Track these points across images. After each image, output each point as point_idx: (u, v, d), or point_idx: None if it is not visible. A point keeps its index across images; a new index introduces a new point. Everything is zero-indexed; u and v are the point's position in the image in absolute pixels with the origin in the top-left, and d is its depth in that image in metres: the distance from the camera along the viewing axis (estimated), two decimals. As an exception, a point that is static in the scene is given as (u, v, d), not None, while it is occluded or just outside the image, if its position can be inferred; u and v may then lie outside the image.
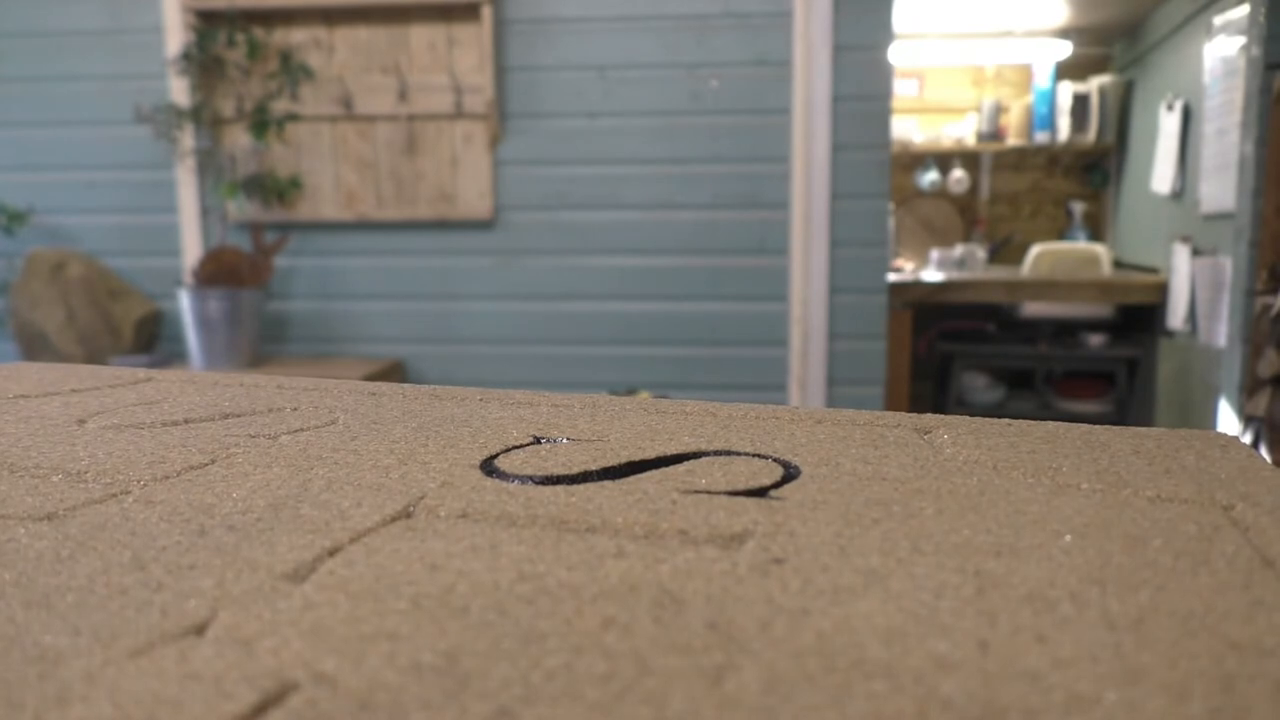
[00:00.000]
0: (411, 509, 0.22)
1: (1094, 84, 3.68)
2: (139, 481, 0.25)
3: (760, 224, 2.13)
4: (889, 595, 0.17)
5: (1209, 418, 2.32)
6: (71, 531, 0.21)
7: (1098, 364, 3.33)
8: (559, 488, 0.24)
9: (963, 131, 3.79)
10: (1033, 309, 3.33)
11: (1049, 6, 3.31)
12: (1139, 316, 3.28)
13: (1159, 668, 0.15)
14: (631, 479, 0.25)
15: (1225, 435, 0.28)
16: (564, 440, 0.29)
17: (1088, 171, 3.88)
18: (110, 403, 0.37)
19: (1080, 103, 3.70)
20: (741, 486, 0.24)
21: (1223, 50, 2.52)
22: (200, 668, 0.14)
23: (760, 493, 0.23)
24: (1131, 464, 0.26)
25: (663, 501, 0.23)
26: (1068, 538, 0.20)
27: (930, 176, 3.68)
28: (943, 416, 0.30)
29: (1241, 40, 2.34)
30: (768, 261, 2.12)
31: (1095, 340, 3.29)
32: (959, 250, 3.36)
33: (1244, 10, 2.26)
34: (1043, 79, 3.80)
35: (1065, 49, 3.65)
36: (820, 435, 0.28)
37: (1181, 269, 2.69)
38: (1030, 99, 3.83)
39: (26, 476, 0.26)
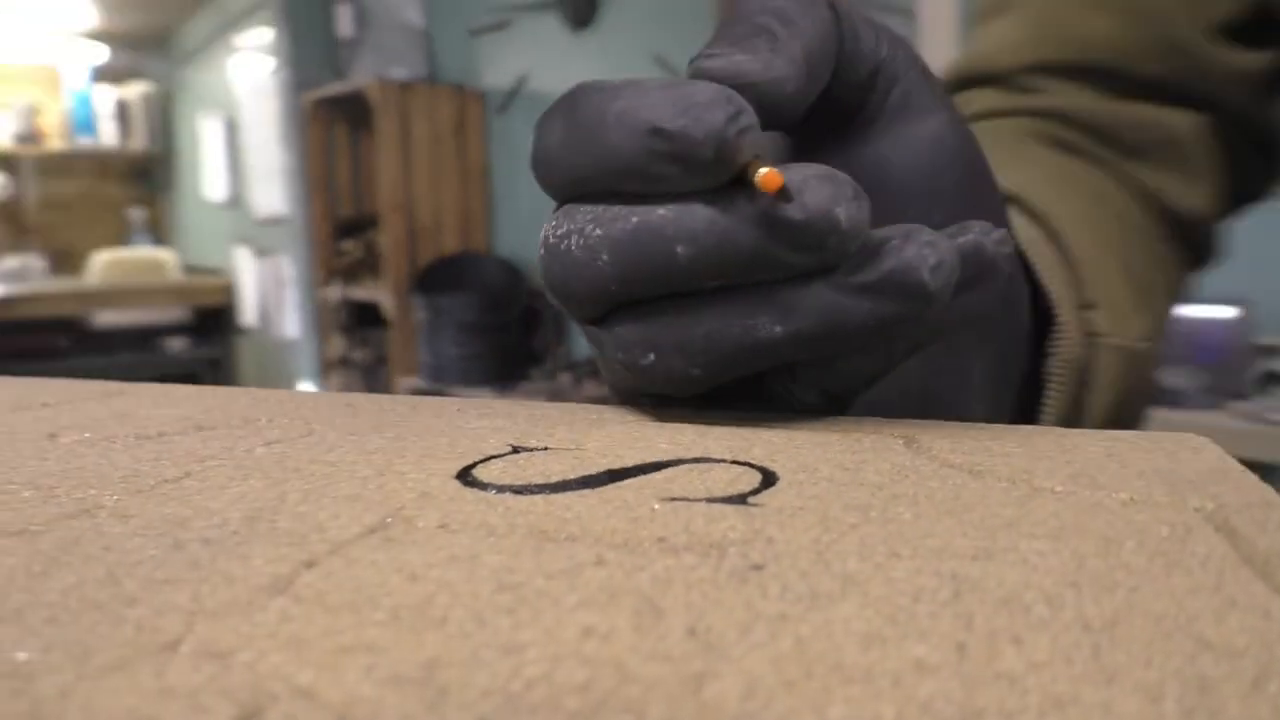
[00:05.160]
0: (389, 520, 0.22)
1: (135, 90, 3.66)
2: (112, 496, 0.25)
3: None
4: (867, 600, 0.17)
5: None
6: (44, 547, 0.21)
7: (182, 367, 3.44)
8: (537, 497, 0.24)
9: (-3, 132, 3.59)
10: (107, 318, 3.35)
11: (76, 6, 3.25)
12: (214, 317, 3.42)
13: (1134, 668, 0.15)
14: (610, 487, 0.25)
15: (1197, 438, 0.28)
16: (542, 449, 0.29)
17: (141, 177, 3.87)
18: (82, 416, 0.36)
19: (123, 108, 3.68)
20: (720, 494, 0.24)
21: (252, 68, 2.70)
22: (176, 682, 0.14)
23: (739, 499, 0.23)
24: (1104, 466, 0.26)
25: (642, 509, 0.23)
26: (1042, 540, 0.20)
27: (-32, 181, 3.50)
28: (919, 422, 0.30)
29: (269, 60, 2.49)
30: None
31: (176, 344, 3.38)
32: (14, 262, 3.30)
33: (268, 33, 2.41)
34: (77, 81, 3.71)
35: (100, 52, 3.61)
36: (798, 441, 0.28)
37: (246, 270, 2.89)
38: (66, 101, 3.72)
39: (-3, 492, 0.25)
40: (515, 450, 0.29)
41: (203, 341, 3.43)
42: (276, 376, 2.90)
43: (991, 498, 0.23)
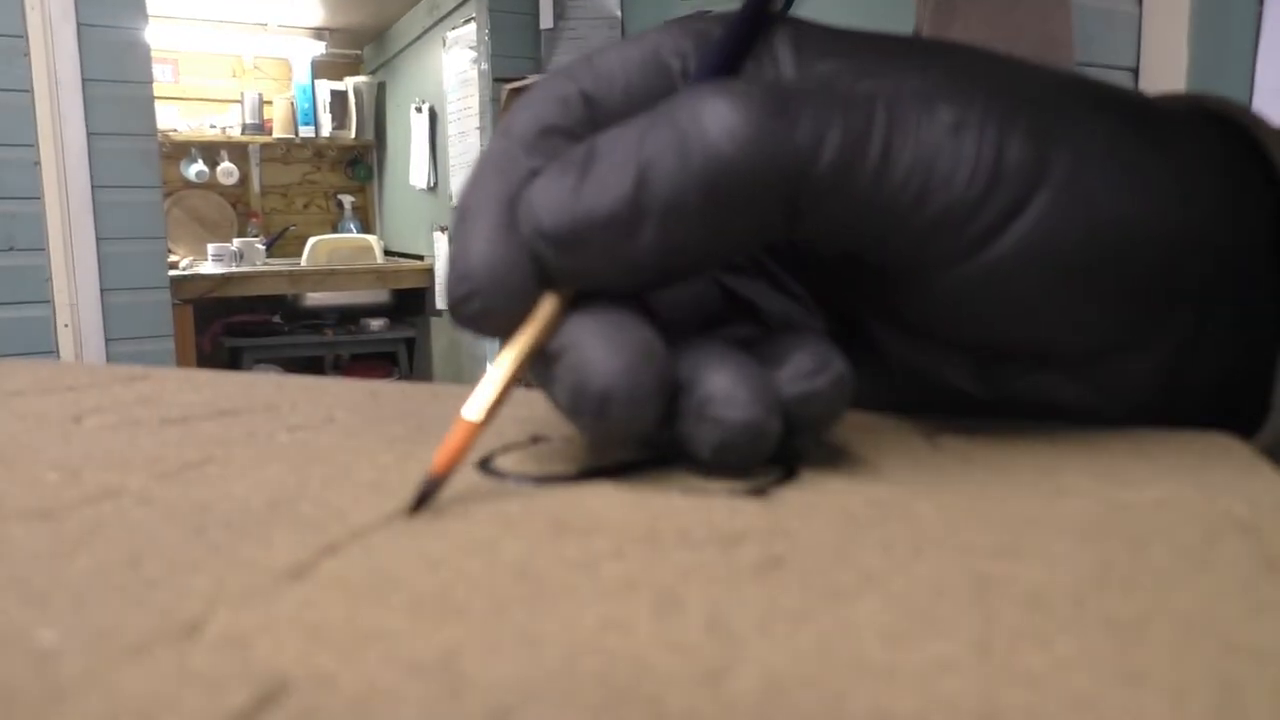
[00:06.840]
0: (410, 507, 0.22)
1: (350, 83, 3.81)
2: (136, 479, 0.25)
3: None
4: (889, 596, 0.17)
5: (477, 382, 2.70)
6: (67, 529, 0.21)
7: (381, 346, 3.57)
8: (557, 487, 0.24)
9: (227, 122, 3.81)
10: (316, 298, 3.51)
11: (303, 4, 3.41)
12: (411, 299, 3.52)
13: (1160, 670, 0.14)
14: (630, 478, 0.25)
15: (1228, 438, 0.28)
16: (562, 439, 0.29)
17: (352, 166, 4.01)
18: (107, 400, 0.36)
19: (339, 100, 3.83)
20: (740, 486, 0.23)
21: (457, 62, 2.79)
22: (197, 666, 0.14)
23: (759, 492, 0.23)
24: (1133, 466, 0.26)
25: (661, 501, 0.22)
26: (1068, 540, 0.20)
27: (197, 168, 3.69)
28: (943, 419, 0.30)
29: (472, 54, 2.58)
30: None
31: (376, 324, 3.52)
32: (236, 243, 3.41)
33: (472, 28, 2.50)
34: (302, 75, 3.88)
35: (319, 47, 3.79)
36: (820, 435, 0.28)
37: (443, 255, 2.99)
38: (292, 93, 3.89)
39: (22, 474, 0.25)
40: (535, 440, 0.29)
41: (400, 322, 3.57)
42: (466, 357, 3.01)
43: (1016, 496, 0.23)
